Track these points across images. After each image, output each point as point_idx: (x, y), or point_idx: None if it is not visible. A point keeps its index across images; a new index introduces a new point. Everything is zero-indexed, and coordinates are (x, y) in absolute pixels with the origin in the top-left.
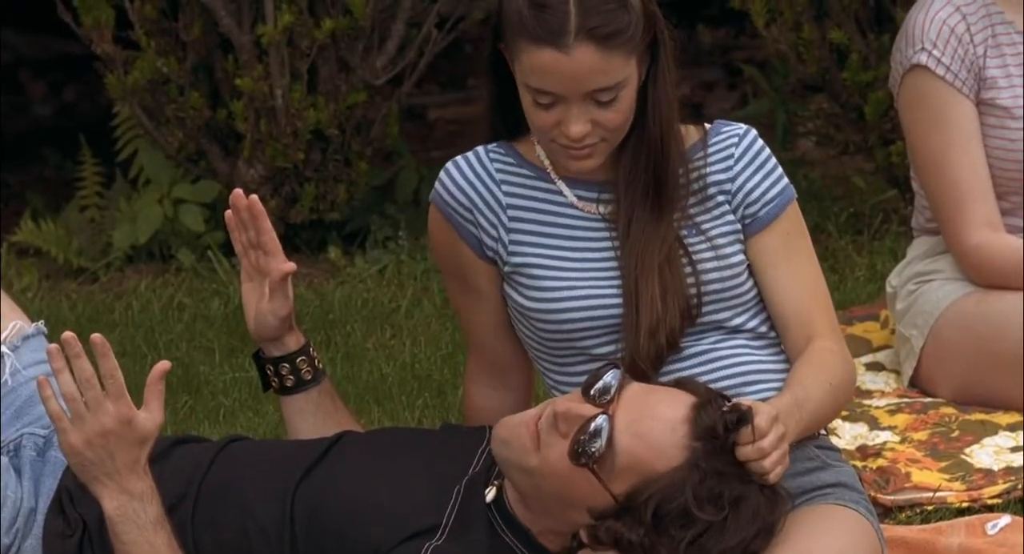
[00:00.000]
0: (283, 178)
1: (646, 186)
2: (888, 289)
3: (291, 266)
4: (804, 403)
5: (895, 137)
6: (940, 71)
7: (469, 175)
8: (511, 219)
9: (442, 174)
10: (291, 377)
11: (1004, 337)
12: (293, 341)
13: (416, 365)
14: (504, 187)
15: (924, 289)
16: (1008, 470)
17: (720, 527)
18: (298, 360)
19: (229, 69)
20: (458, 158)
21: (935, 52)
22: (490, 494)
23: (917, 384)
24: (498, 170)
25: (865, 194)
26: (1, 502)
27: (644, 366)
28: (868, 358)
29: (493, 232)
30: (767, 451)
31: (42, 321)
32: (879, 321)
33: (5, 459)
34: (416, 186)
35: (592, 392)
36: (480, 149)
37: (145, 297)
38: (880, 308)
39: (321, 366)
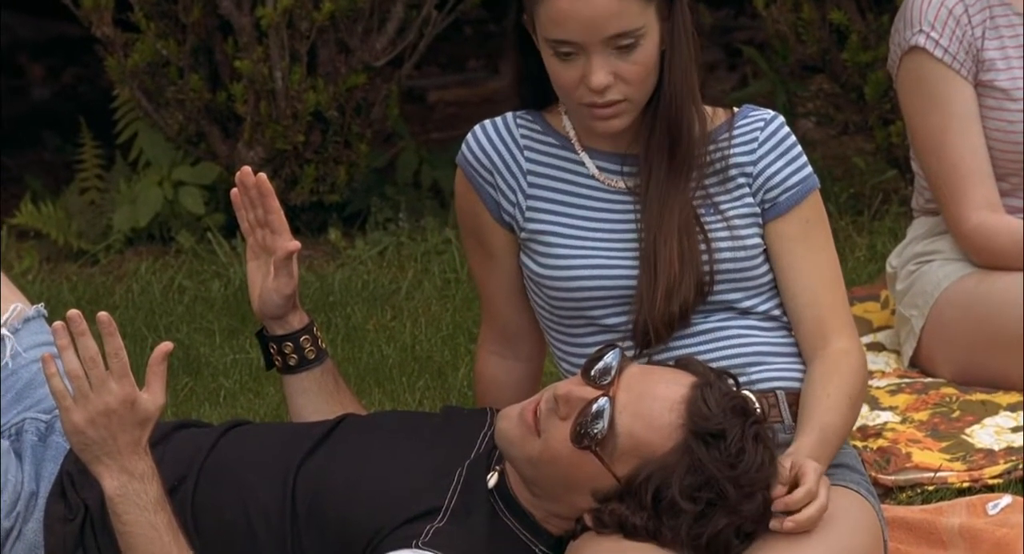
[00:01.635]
0: (283, 160)
1: (661, 146)
2: (888, 269)
3: (296, 244)
4: (831, 437)
5: (895, 117)
6: (938, 53)
7: (494, 138)
8: (530, 185)
9: (469, 135)
10: (294, 356)
11: (1004, 317)
12: (297, 320)
13: (416, 346)
14: (527, 153)
15: (924, 269)
16: (1009, 450)
17: (723, 507)
18: (301, 339)
19: (229, 51)
20: (486, 121)
21: (933, 34)
22: (492, 480)
23: (917, 364)
24: (523, 136)
25: (865, 174)
26: (1, 485)
27: (658, 330)
28: (868, 338)
29: (511, 196)
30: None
31: (42, 303)
32: (879, 301)
33: (6, 443)
34: (416, 168)
35: (592, 373)
36: (509, 115)
37: (145, 279)
38: (880, 288)
39: (324, 346)
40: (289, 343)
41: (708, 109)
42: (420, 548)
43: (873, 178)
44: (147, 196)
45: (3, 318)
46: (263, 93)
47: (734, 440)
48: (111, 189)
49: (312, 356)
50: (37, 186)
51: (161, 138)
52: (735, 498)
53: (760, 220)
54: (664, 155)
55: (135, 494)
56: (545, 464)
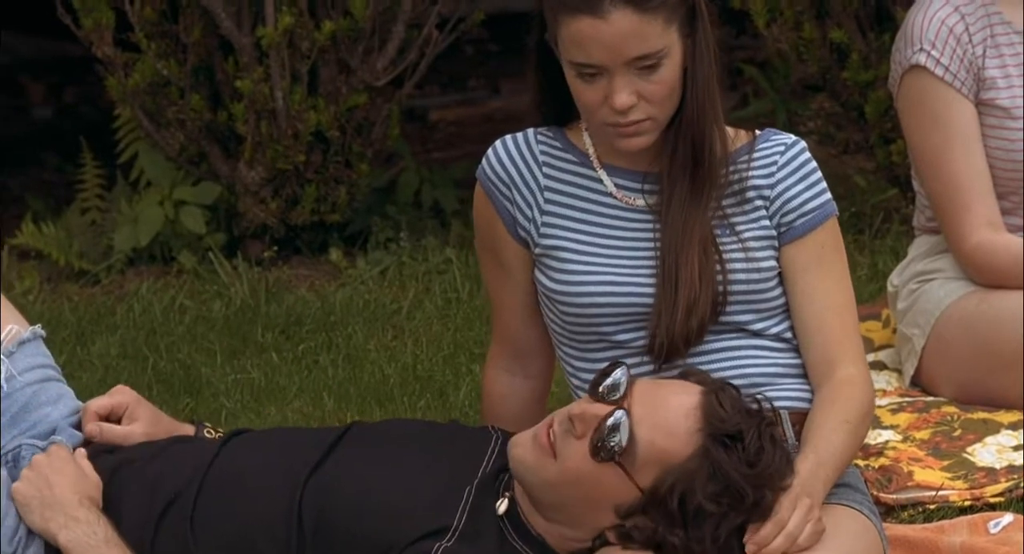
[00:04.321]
0: (284, 180)
1: (684, 163)
2: (889, 288)
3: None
4: (827, 459)
5: (896, 136)
6: (939, 72)
7: (513, 153)
8: (547, 201)
9: (490, 150)
10: None
11: (1005, 336)
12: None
13: (418, 366)
14: (545, 169)
15: (925, 288)
16: (1010, 468)
17: (742, 507)
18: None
19: (229, 71)
20: (507, 136)
21: (934, 52)
22: (502, 507)
23: (919, 383)
24: (542, 152)
25: (866, 193)
26: (3, 511)
27: (678, 345)
28: (870, 357)
29: (528, 212)
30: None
31: (39, 325)
32: (880, 320)
33: (4, 471)
34: (417, 187)
35: (601, 390)
36: (530, 130)
37: (146, 299)
38: (882, 307)
39: None
40: None
41: (730, 130)
42: None
43: (874, 197)
44: (148, 216)
45: None
46: (264, 113)
47: (752, 440)
48: (112, 209)
49: None
50: (38, 206)
51: (162, 158)
52: (753, 498)
53: (776, 243)
54: (686, 172)
55: (85, 535)
56: (564, 485)
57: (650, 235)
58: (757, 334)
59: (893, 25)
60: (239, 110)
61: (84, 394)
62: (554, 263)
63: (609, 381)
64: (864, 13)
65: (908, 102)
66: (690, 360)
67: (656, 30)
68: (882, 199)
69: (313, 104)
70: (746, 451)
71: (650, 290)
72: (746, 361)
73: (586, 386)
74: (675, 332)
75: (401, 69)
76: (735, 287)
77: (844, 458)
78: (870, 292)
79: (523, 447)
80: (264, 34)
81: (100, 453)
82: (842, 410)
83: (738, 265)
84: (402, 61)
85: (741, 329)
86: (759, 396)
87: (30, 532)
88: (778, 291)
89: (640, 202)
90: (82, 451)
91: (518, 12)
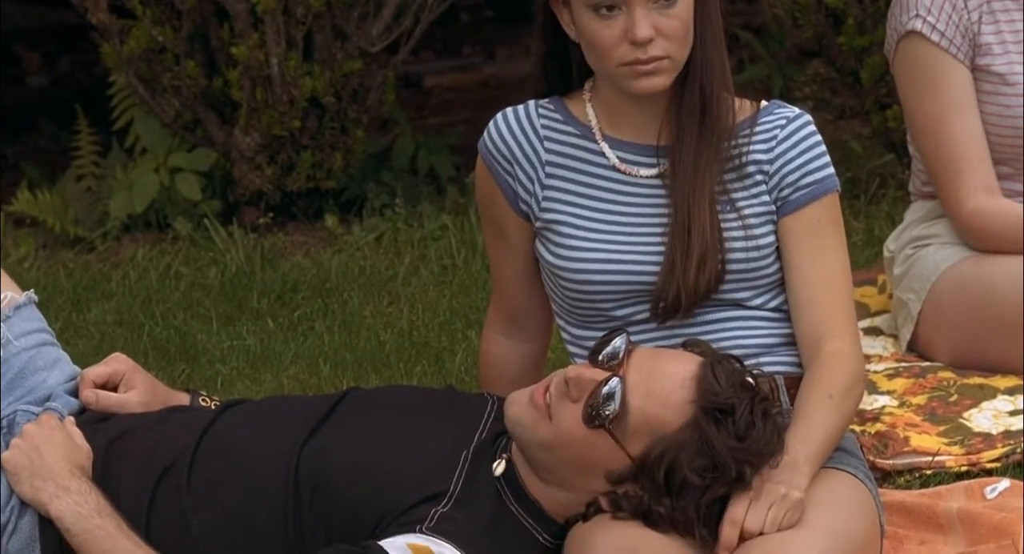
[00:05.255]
0: (279, 146)
1: (692, 116)
2: (885, 253)
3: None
4: (809, 435)
5: (891, 102)
6: (935, 37)
7: (515, 128)
8: (548, 176)
9: (490, 124)
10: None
11: (1001, 301)
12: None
13: (414, 332)
14: (546, 143)
15: (921, 253)
16: (1007, 434)
17: (726, 479)
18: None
19: (225, 37)
20: (508, 109)
21: (930, 18)
22: (499, 468)
23: (915, 348)
24: (543, 126)
25: (862, 159)
26: None
27: (689, 298)
28: (866, 323)
29: (529, 186)
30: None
31: (32, 290)
32: (876, 286)
33: None
34: (412, 154)
35: (601, 357)
36: (531, 103)
37: (142, 266)
38: (878, 273)
39: None
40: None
41: (736, 101)
42: (424, 533)
43: (870, 162)
44: (143, 183)
45: None
46: (259, 79)
47: (743, 415)
48: (107, 176)
49: None
50: (34, 173)
51: (157, 125)
52: (736, 472)
53: (775, 218)
54: (695, 126)
55: (76, 505)
56: (558, 448)
57: (652, 204)
58: (754, 308)
59: None
60: (234, 76)
61: (80, 361)
62: (555, 237)
63: (609, 349)
64: None
65: (904, 68)
66: (687, 330)
67: None
68: (878, 164)
69: (308, 70)
70: (736, 426)
71: (650, 267)
72: (743, 331)
73: (583, 354)
74: (687, 283)
75: (396, 35)
76: (733, 265)
77: (829, 433)
78: (866, 258)
79: (519, 405)
80: (259, 0)
81: (96, 421)
82: (826, 384)
83: (737, 244)
84: (397, 27)
85: (739, 304)
86: (757, 371)
87: (23, 502)
88: (776, 266)
89: (643, 172)
90: (71, 419)
91: None
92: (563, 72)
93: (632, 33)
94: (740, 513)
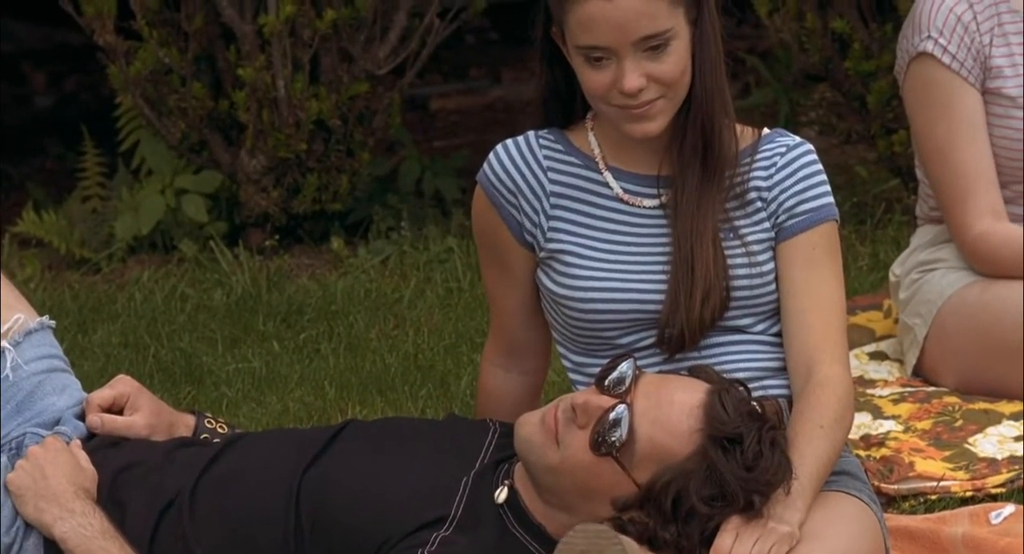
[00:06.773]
0: (285, 168)
1: (695, 149)
2: (891, 278)
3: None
4: (800, 469)
5: (897, 126)
6: (946, 60)
7: (517, 159)
8: (553, 207)
9: (491, 156)
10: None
11: (1007, 326)
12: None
13: (419, 355)
14: (550, 174)
15: (927, 278)
16: (1012, 459)
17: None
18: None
19: (231, 59)
20: (508, 141)
21: (941, 40)
22: (501, 495)
23: (920, 373)
24: (546, 157)
25: (868, 183)
26: (1, 500)
27: (693, 332)
28: (871, 347)
29: (534, 218)
30: None
31: (47, 316)
32: (882, 310)
33: (5, 458)
34: (418, 176)
35: (607, 383)
36: (531, 134)
37: (147, 288)
38: (883, 297)
39: None
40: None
41: (738, 128)
42: None
43: (876, 187)
44: (149, 204)
45: (4, 329)
46: (265, 101)
47: (751, 444)
48: (113, 197)
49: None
50: (39, 194)
51: (163, 146)
52: (744, 502)
53: (775, 244)
54: (697, 161)
55: (80, 527)
56: (564, 473)
57: (656, 235)
58: (756, 334)
59: (895, 15)
60: (241, 98)
61: (85, 382)
62: (560, 266)
63: (615, 375)
64: (866, 3)
65: (914, 90)
66: (689, 354)
67: (662, 10)
68: (883, 189)
69: (315, 93)
70: (744, 455)
71: (655, 296)
72: (745, 355)
73: (585, 381)
74: (691, 318)
75: (402, 58)
76: (737, 292)
77: (822, 464)
78: (871, 282)
79: (530, 427)
80: (266, 22)
81: (106, 447)
82: (816, 416)
83: (741, 271)
84: (404, 50)
85: (741, 331)
86: (765, 398)
87: (28, 523)
88: (777, 293)
89: (647, 203)
90: (77, 442)
91: (519, 1)
92: (564, 105)
93: (620, 84)
94: (727, 544)
